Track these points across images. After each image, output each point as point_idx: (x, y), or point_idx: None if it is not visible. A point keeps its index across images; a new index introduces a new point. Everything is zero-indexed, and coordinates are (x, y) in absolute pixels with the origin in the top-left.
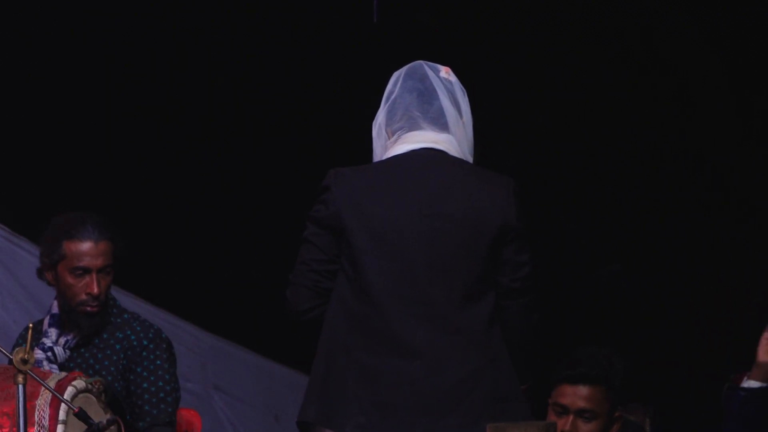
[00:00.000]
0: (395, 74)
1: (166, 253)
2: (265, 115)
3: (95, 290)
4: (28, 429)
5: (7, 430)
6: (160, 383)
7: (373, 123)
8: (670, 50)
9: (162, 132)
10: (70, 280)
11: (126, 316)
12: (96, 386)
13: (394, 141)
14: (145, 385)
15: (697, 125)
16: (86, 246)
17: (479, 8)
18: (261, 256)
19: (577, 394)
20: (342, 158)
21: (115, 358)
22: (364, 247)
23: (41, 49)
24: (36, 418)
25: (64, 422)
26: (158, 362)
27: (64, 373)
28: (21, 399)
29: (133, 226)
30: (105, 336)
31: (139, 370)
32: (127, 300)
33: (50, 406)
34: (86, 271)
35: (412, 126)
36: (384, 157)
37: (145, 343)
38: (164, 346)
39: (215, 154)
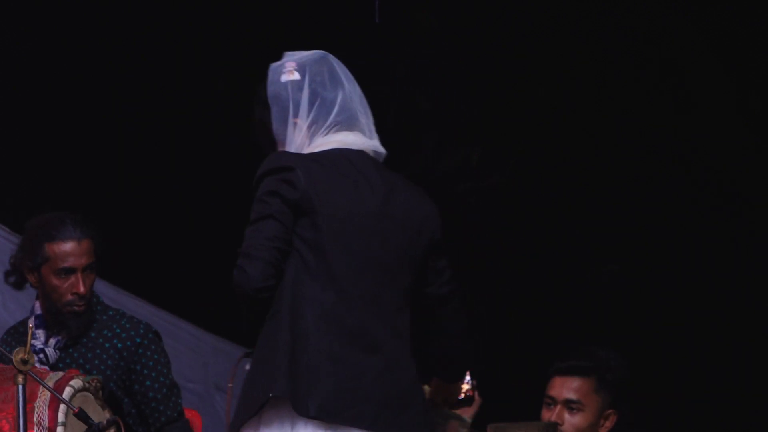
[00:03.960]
0: (305, 60)
1: (166, 253)
2: None
3: (82, 290)
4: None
5: None
6: (162, 378)
7: (278, 103)
8: (670, 50)
9: (163, 132)
10: (55, 281)
11: (111, 312)
12: (93, 384)
13: (325, 133)
14: (148, 383)
15: (697, 125)
16: (69, 246)
17: (479, 8)
18: None
19: (565, 386)
20: None
21: (105, 356)
22: (331, 235)
23: (42, 50)
24: (35, 420)
25: (64, 424)
26: (155, 357)
27: (61, 373)
28: (21, 400)
29: (133, 227)
30: (93, 335)
31: (138, 368)
32: (127, 300)
33: (49, 408)
34: (71, 271)
35: (351, 125)
36: (317, 149)
37: (138, 340)
38: (157, 339)
39: (215, 153)
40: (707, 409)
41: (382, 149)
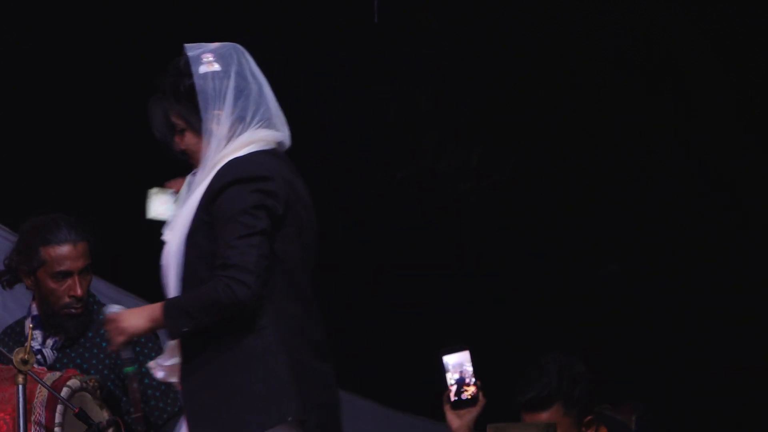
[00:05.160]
0: (223, 51)
1: None
2: None
3: (79, 292)
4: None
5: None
6: None
7: (200, 94)
8: (670, 50)
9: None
10: (52, 285)
11: None
12: (91, 384)
13: (254, 127)
14: (146, 380)
15: (697, 125)
16: (65, 249)
17: (479, 8)
18: None
19: (535, 421)
20: (342, 157)
21: (102, 356)
22: (298, 247)
23: (42, 50)
24: (34, 420)
25: (61, 424)
26: (153, 354)
27: (58, 373)
28: (21, 400)
29: (133, 227)
30: (90, 335)
31: (137, 367)
32: (127, 300)
33: (46, 408)
34: (68, 274)
35: (272, 120)
36: (246, 147)
37: (135, 339)
38: (154, 337)
39: None
40: (707, 408)
41: (289, 142)
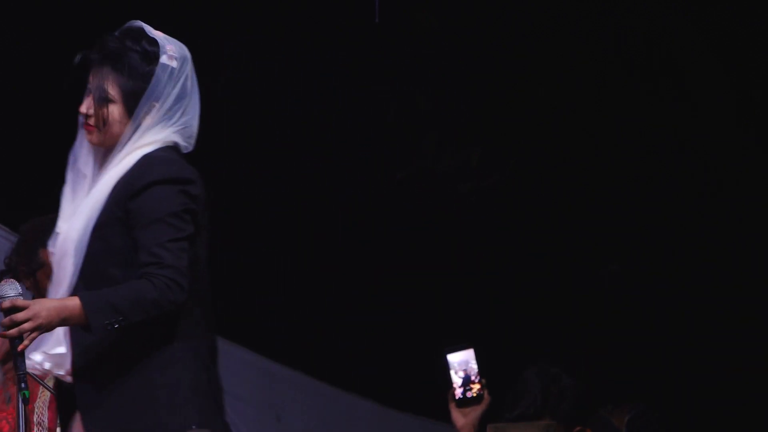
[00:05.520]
0: (183, 52)
1: None
2: (265, 114)
3: None
4: None
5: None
6: None
7: (154, 80)
8: (670, 50)
9: None
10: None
11: None
12: None
13: (165, 128)
14: None
15: (697, 125)
16: None
17: (479, 8)
18: (261, 256)
19: None
20: (342, 157)
21: None
22: (206, 249)
23: (42, 50)
24: (36, 420)
25: None
26: None
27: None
28: (21, 400)
29: None
30: None
31: None
32: None
33: (48, 408)
34: None
35: (185, 132)
36: (154, 143)
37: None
38: None
39: (214, 152)
40: (707, 408)
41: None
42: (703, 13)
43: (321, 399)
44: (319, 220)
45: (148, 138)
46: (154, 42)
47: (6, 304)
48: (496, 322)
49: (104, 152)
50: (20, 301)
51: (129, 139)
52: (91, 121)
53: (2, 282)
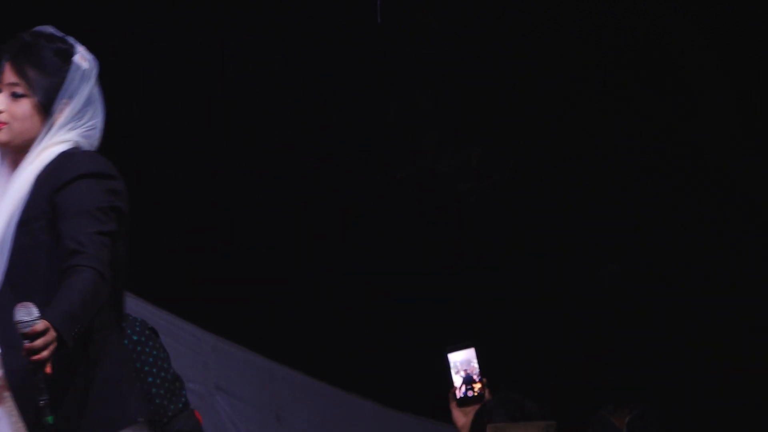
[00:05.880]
0: (91, 57)
1: (167, 253)
2: (266, 114)
3: None
4: None
5: None
6: (163, 373)
7: (67, 79)
8: (671, 50)
9: (163, 132)
10: None
11: None
12: None
13: (74, 128)
14: (150, 379)
15: (697, 125)
16: None
17: (479, 8)
18: (261, 256)
19: None
20: (342, 157)
21: None
22: (125, 245)
23: None
24: None
25: None
26: (155, 353)
27: None
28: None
29: (132, 226)
30: None
31: (138, 366)
32: (127, 300)
33: None
34: None
35: (89, 135)
36: (61, 143)
37: (135, 338)
38: (154, 336)
39: (215, 154)
40: (707, 408)
41: None
42: (703, 13)
43: (321, 399)
44: (320, 220)
45: (60, 137)
46: (66, 41)
47: (28, 331)
48: (496, 321)
49: (13, 150)
50: (39, 326)
51: (45, 136)
52: (3, 117)
53: (18, 306)
